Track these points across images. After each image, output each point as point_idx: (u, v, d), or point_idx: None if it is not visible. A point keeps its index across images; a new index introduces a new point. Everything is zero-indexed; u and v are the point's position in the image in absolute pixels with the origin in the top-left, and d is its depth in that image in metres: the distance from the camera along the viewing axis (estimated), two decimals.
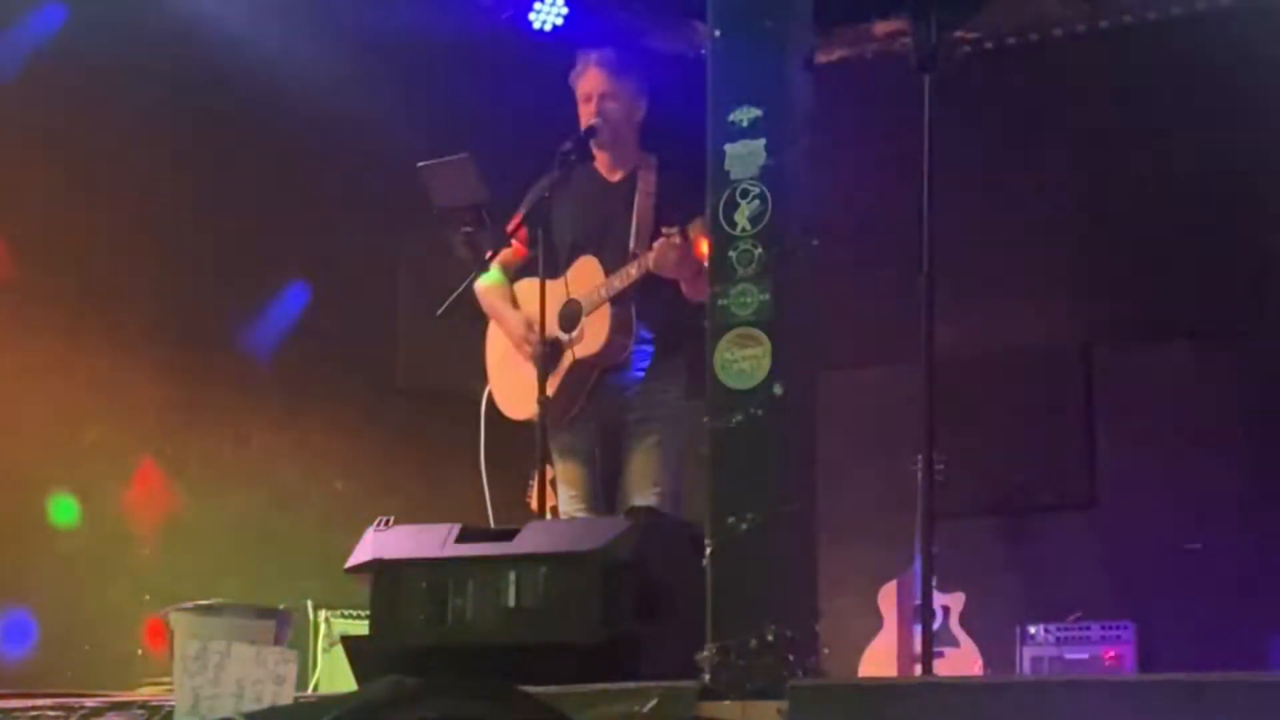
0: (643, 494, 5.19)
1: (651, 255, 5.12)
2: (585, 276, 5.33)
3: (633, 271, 5.20)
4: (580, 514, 5.33)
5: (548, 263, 5.30)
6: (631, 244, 5.31)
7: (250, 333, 6.94)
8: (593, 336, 5.28)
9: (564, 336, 5.30)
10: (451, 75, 7.59)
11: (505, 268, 5.56)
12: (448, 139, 6.27)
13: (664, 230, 5.08)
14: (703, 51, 3.74)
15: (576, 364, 5.30)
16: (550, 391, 5.22)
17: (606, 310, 5.26)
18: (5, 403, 6.27)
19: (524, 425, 5.42)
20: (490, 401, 5.52)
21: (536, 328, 5.27)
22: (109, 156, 6.60)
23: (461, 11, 7.77)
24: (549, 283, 5.27)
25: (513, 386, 5.41)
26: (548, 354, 5.25)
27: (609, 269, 5.29)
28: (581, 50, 5.53)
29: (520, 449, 5.45)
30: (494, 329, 5.60)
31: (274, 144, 7.05)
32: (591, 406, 5.34)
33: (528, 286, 5.45)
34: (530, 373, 5.26)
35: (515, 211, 5.47)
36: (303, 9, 7.03)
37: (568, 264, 5.39)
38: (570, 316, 5.32)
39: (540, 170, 5.40)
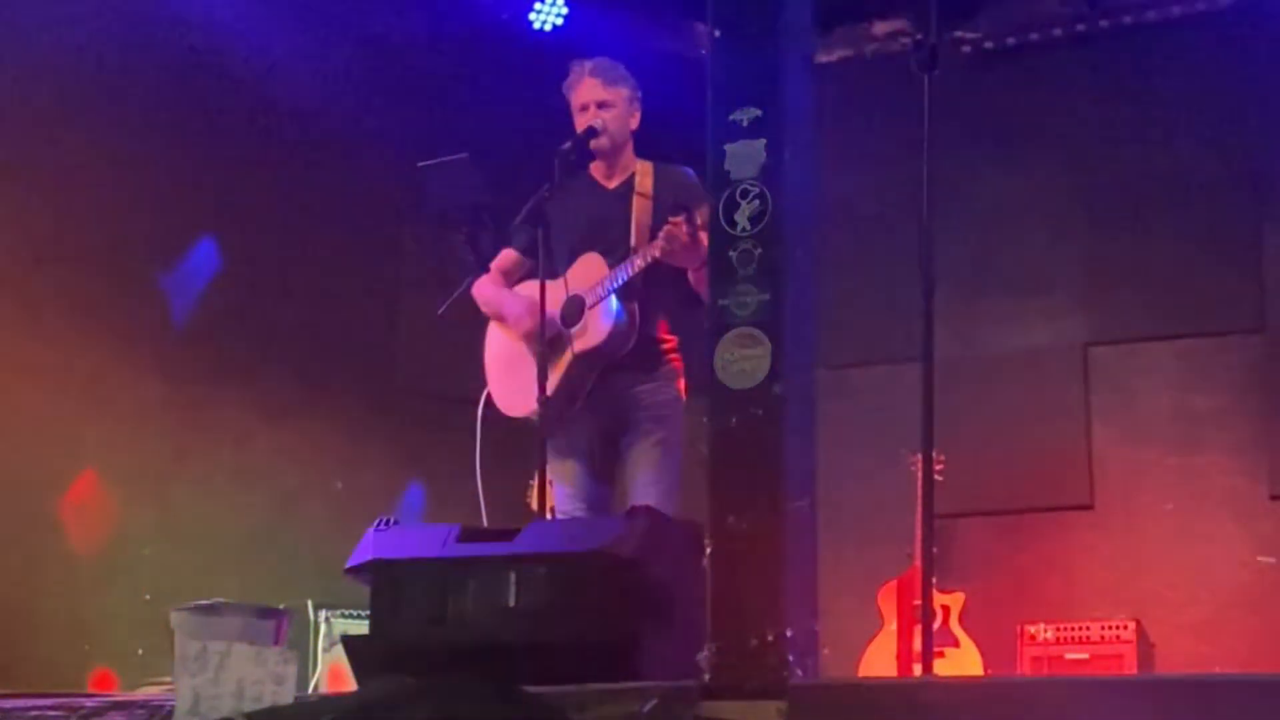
0: (643, 494, 5.17)
1: (659, 242, 5.11)
2: (588, 272, 5.32)
3: (638, 262, 5.19)
4: (578, 513, 5.32)
5: (547, 268, 5.29)
6: (633, 241, 5.30)
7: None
8: (596, 330, 5.26)
9: (567, 332, 5.28)
10: (451, 75, 7.59)
11: (505, 275, 5.55)
12: (448, 139, 6.28)
13: (670, 219, 5.07)
14: (703, 51, 3.72)
15: (578, 358, 5.27)
16: (551, 388, 5.21)
17: (611, 303, 5.25)
18: (5, 403, 6.27)
19: (523, 425, 5.41)
20: (488, 404, 5.50)
21: (538, 309, 5.25)
22: (111, 158, 6.61)
23: (461, 12, 7.77)
24: (550, 283, 5.26)
25: (512, 383, 5.39)
26: (549, 353, 5.23)
27: (611, 265, 5.28)
28: (574, 61, 5.54)
29: (520, 449, 5.44)
30: (492, 329, 5.59)
31: (274, 143, 7.05)
32: (592, 404, 5.33)
33: (527, 288, 5.44)
34: (530, 369, 5.23)
35: (516, 216, 5.47)
36: (303, 9, 7.03)
37: (568, 266, 5.38)
38: (573, 311, 5.30)
39: (540, 170, 5.39)
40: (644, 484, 5.23)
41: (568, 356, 5.27)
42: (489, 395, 5.49)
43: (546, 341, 5.20)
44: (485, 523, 5.29)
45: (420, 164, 5.60)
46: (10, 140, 6.37)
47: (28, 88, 6.39)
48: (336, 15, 7.19)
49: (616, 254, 5.29)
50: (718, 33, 3.59)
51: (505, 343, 5.51)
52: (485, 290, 5.53)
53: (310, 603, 6.30)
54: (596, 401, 5.31)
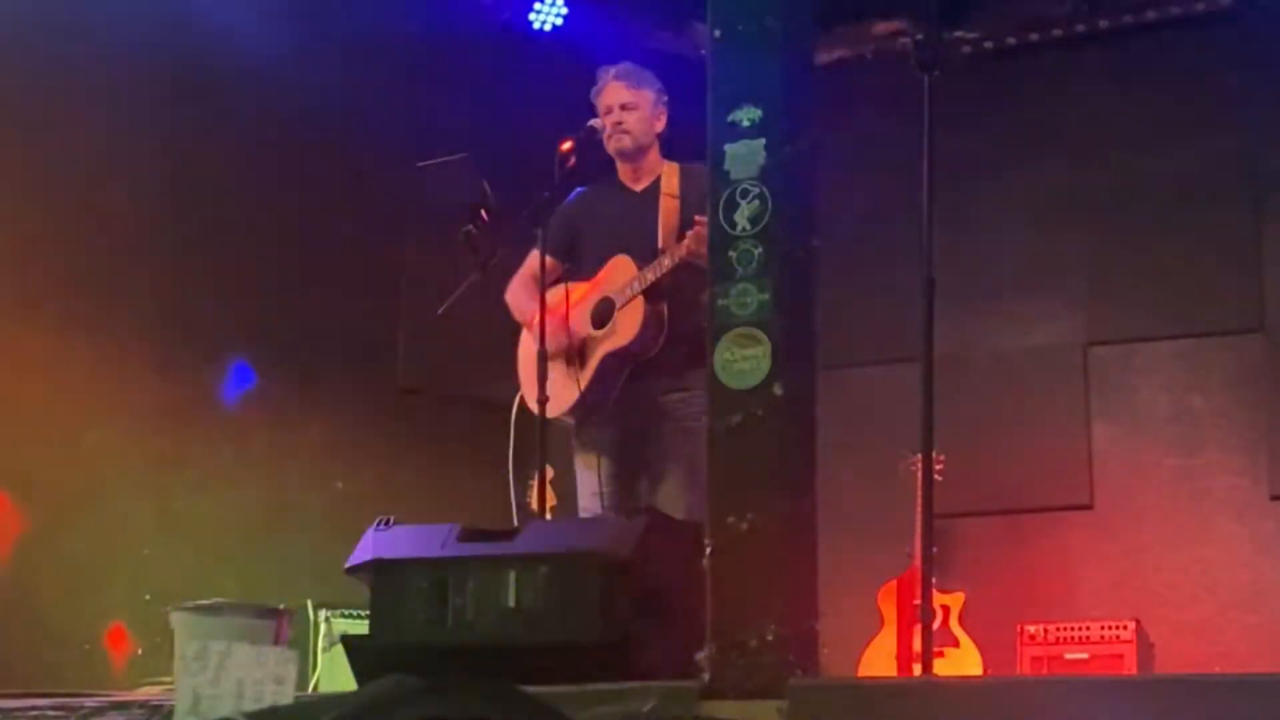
0: (675, 507, 5.13)
1: (687, 241, 5.12)
2: (618, 274, 5.34)
3: (666, 262, 5.20)
4: (596, 509, 5.33)
5: (578, 271, 5.28)
6: (660, 242, 5.31)
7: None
8: (624, 329, 5.28)
9: (596, 333, 5.31)
10: (451, 75, 7.59)
11: (538, 281, 5.56)
12: (448, 139, 6.29)
13: (697, 218, 5.09)
14: (702, 51, 3.73)
15: (608, 357, 5.30)
16: (582, 385, 5.25)
17: (640, 304, 5.27)
18: (5, 403, 6.26)
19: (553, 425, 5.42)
20: (522, 406, 5.49)
21: (566, 323, 5.28)
22: (110, 155, 6.61)
23: (461, 11, 7.78)
24: (581, 286, 5.31)
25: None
26: (579, 354, 5.26)
27: (640, 267, 5.30)
28: (601, 66, 5.56)
29: (523, 449, 5.45)
30: (525, 335, 5.59)
31: (274, 143, 7.05)
32: (622, 406, 5.34)
33: (554, 294, 5.45)
34: (561, 373, 5.28)
35: (516, 216, 5.48)
36: (302, 9, 7.03)
37: (599, 268, 5.40)
38: (603, 313, 5.33)
39: (540, 170, 5.40)
40: (679, 496, 5.19)
41: (598, 355, 5.30)
42: (522, 398, 5.50)
43: (577, 345, 5.29)
44: (515, 522, 5.32)
45: (420, 164, 5.60)
46: (8, 138, 6.36)
47: (25, 86, 6.39)
48: (336, 15, 7.19)
49: (645, 256, 5.31)
50: (718, 33, 3.59)
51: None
52: (518, 298, 5.55)
53: (310, 603, 6.30)
54: (627, 404, 5.33)
